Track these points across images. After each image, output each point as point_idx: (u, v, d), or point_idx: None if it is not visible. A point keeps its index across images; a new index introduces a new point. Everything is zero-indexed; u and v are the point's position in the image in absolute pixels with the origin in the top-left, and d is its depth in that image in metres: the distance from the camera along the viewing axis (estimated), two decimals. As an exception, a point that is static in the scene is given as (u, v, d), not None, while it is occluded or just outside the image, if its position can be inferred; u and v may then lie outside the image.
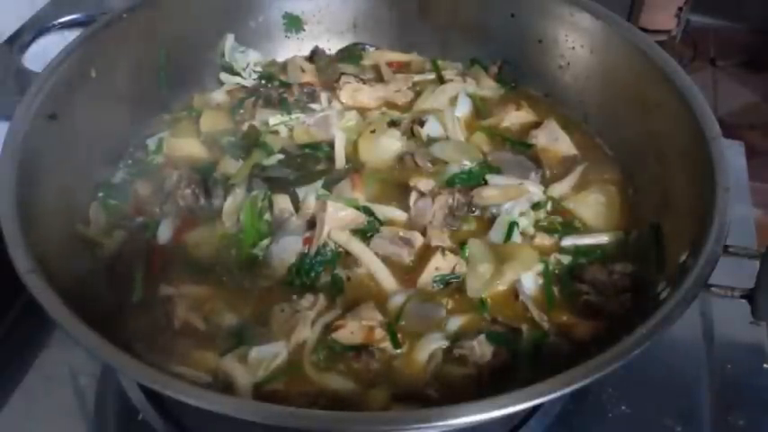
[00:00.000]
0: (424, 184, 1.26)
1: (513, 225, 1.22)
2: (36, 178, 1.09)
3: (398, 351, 1.08)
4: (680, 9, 3.50)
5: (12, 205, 1.00)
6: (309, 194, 1.23)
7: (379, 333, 1.07)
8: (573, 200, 1.31)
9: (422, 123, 1.41)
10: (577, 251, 1.22)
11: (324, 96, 1.49)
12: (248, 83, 1.53)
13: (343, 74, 1.52)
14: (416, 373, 1.06)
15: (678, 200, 1.19)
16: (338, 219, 1.19)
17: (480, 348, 1.06)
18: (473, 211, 1.27)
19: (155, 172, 1.31)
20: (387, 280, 1.16)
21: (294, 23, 1.62)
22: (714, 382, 1.27)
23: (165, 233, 1.21)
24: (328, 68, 1.57)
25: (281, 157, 1.34)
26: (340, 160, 1.34)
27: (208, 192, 1.26)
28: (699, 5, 3.71)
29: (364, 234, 1.20)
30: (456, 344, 1.07)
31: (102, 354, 0.87)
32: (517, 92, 1.54)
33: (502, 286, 1.16)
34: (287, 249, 1.17)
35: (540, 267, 1.19)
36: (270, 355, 1.05)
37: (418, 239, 1.20)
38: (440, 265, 1.16)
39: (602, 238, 1.24)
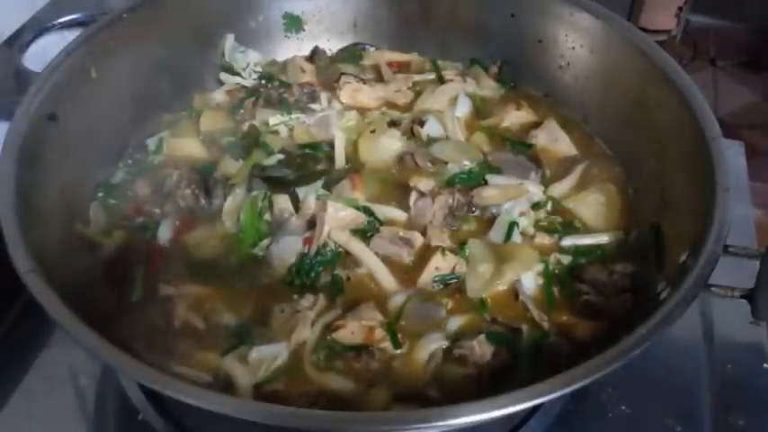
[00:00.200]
0: (424, 184, 1.26)
1: (513, 225, 1.22)
2: (36, 178, 1.09)
3: (398, 351, 1.08)
4: (680, 9, 3.50)
5: (12, 205, 1.00)
6: (309, 194, 1.23)
7: (380, 333, 1.07)
8: (573, 200, 1.31)
9: (422, 123, 1.41)
10: (577, 251, 1.22)
11: (324, 96, 1.49)
12: (248, 83, 1.53)
13: (343, 74, 1.52)
14: (416, 372, 1.06)
15: (678, 200, 1.19)
16: (338, 219, 1.19)
17: (480, 348, 1.06)
18: (473, 211, 1.27)
19: (155, 172, 1.31)
20: (387, 280, 1.16)
21: (294, 23, 1.62)
22: (714, 382, 1.27)
23: (165, 233, 1.21)
24: (328, 68, 1.57)
25: (281, 157, 1.34)
26: (340, 160, 1.34)
27: (208, 192, 1.26)
28: (699, 5, 3.70)
29: (364, 234, 1.20)
30: (456, 344, 1.07)
31: (102, 354, 0.87)
32: (517, 92, 1.54)
33: (502, 286, 1.16)
34: (287, 249, 1.17)
35: (540, 267, 1.19)
36: (270, 355, 1.05)
37: (418, 239, 1.20)
38: (440, 265, 1.16)
39: (602, 238, 1.24)
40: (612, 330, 1.07)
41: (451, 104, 1.48)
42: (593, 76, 1.45)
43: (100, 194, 1.27)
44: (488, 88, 1.54)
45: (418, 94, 1.52)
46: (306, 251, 1.17)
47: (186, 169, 1.29)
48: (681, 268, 1.03)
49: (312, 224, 1.20)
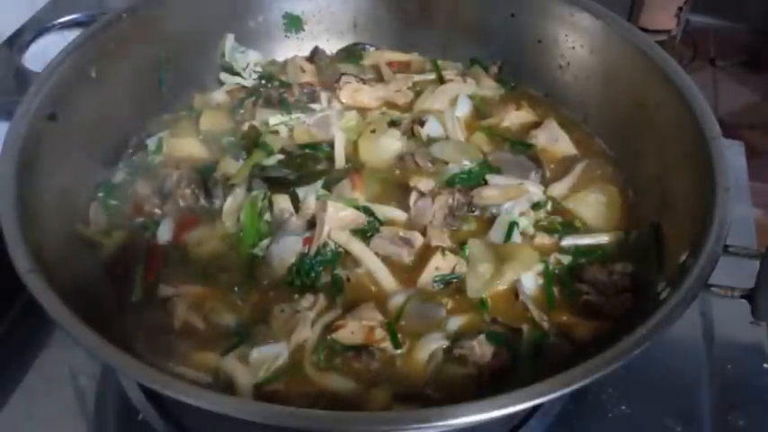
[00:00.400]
0: (424, 184, 1.26)
1: (513, 225, 1.22)
2: (36, 178, 1.09)
3: (398, 351, 1.08)
4: (680, 9, 3.50)
5: (12, 205, 1.00)
6: (309, 194, 1.23)
7: (380, 333, 1.07)
8: (573, 200, 1.31)
9: (422, 123, 1.41)
10: (577, 251, 1.22)
11: (324, 96, 1.49)
12: (248, 83, 1.53)
13: (343, 74, 1.52)
14: (416, 372, 1.06)
15: (678, 200, 1.19)
16: (338, 219, 1.19)
17: (480, 348, 1.06)
18: (473, 211, 1.27)
19: (155, 172, 1.31)
20: (387, 280, 1.16)
21: (294, 23, 1.62)
22: (714, 382, 1.27)
23: (165, 233, 1.21)
24: (328, 68, 1.57)
25: (281, 157, 1.34)
26: (340, 160, 1.34)
27: (208, 192, 1.26)
28: (699, 5, 3.71)
29: (364, 234, 1.20)
30: (456, 344, 1.07)
31: (102, 354, 0.87)
32: (517, 92, 1.54)
33: (502, 286, 1.16)
34: (287, 249, 1.17)
35: (540, 267, 1.19)
36: (271, 355, 1.05)
37: (418, 239, 1.20)
38: (440, 264, 1.16)
39: (602, 238, 1.24)
40: (612, 330, 1.07)
41: (451, 104, 1.48)
42: (593, 75, 1.45)
43: (100, 194, 1.27)
44: (488, 88, 1.54)
45: (418, 94, 1.52)
46: (306, 251, 1.17)
47: (186, 169, 1.29)
48: (681, 268, 1.03)
49: (312, 224, 1.20)
